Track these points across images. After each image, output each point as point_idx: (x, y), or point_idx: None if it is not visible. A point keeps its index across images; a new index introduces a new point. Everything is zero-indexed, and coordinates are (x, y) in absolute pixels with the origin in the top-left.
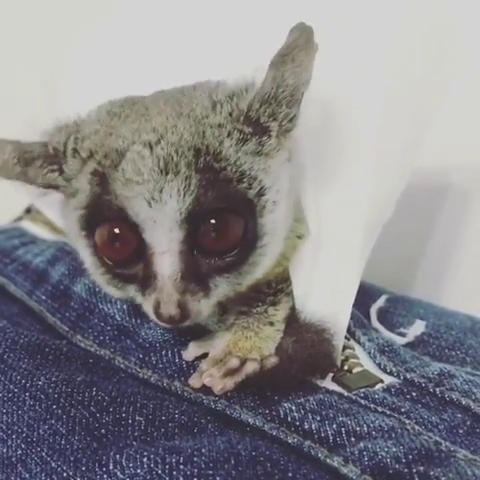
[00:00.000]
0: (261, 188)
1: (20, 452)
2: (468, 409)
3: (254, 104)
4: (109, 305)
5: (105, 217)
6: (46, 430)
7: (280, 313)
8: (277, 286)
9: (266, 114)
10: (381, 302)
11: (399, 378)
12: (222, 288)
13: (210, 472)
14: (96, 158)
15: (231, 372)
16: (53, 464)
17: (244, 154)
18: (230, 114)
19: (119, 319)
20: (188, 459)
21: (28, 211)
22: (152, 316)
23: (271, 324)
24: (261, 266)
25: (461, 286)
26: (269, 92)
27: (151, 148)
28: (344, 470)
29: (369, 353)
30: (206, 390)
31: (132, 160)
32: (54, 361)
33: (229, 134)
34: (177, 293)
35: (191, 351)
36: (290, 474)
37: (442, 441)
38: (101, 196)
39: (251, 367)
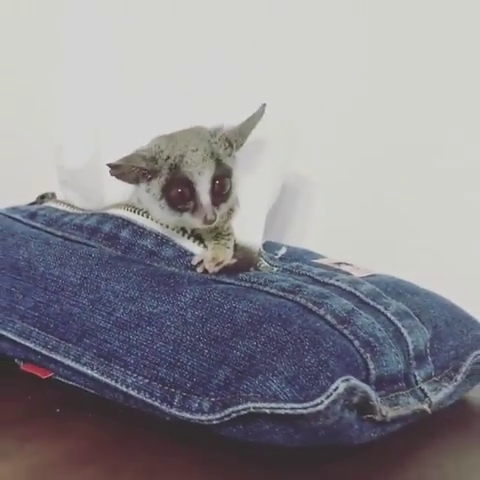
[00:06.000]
0: (232, 169)
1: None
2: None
3: (231, 135)
4: (144, 239)
5: (177, 184)
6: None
7: (231, 242)
8: (229, 230)
9: (234, 139)
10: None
11: (279, 269)
12: (221, 210)
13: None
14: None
15: (219, 263)
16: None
17: (226, 155)
18: (220, 138)
19: (155, 234)
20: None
21: (42, 198)
22: (199, 223)
23: (228, 248)
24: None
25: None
26: (238, 131)
27: (197, 151)
28: (302, 301)
29: (265, 260)
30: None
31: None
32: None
33: (221, 146)
34: (211, 209)
35: (196, 258)
36: (289, 304)
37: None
38: (174, 175)
39: (229, 262)
